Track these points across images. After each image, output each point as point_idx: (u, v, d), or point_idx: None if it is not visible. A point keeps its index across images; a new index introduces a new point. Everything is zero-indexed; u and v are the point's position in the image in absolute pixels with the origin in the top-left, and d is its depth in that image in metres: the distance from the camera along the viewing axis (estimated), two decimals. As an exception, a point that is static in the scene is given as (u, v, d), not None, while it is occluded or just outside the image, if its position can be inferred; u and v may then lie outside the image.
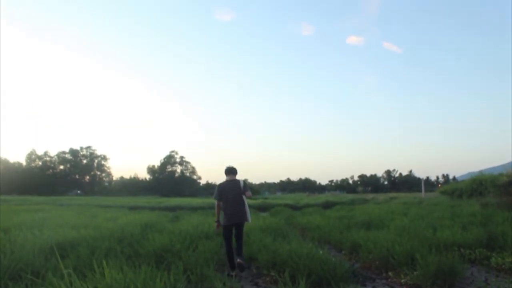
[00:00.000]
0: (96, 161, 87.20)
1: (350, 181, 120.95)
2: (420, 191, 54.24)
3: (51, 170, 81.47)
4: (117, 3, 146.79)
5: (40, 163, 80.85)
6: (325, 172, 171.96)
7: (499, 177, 16.38)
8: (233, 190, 5.15)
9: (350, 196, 41.59)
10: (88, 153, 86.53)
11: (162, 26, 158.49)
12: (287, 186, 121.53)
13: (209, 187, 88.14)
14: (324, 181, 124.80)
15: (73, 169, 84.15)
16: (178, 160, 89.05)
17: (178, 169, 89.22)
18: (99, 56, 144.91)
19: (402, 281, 4.32)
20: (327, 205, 23.25)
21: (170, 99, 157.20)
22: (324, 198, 35.69)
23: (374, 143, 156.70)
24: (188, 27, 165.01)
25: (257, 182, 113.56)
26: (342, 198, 35.80)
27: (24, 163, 79.06)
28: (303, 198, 41.80)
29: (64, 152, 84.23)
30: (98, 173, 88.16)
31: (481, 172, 19.68)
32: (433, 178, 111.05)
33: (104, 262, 3.18)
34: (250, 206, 6.32)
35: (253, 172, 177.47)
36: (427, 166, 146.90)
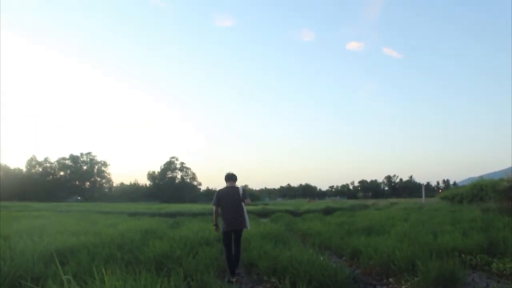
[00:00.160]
0: (96, 167, 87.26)
1: (351, 187, 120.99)
2: (420, 196, 54.21)
3: (51, 176, 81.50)
4: (118, 10, 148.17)
5: (40, 169, 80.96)
6: (325, 178, 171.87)
7: (500, 182, 16.32)
8: (232, 197, 5.19)
9: (351, 202, 41.42)
10: (88, 159, 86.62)
11: (162, 33, 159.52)
12: (287, 192, 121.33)
13: (209, 193, 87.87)
14: (324, 187, 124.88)
15: (73, 175, 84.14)
16: (178, 166, 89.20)
17: (179, 175, 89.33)
18: (99, 63, 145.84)
19: (403, 287, 4.31)
20: (328, 211, 23.14)
21: (170, 105, 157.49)
22: (324, 204, 35.52)
23: (375, 148, 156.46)
24: (188, 33, 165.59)
25: (258, 188, 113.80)
26: (342, 204, 35.64)
27: (24, 169, 79.18)
28: (304, 204, 41.60)
29: (64, 158, 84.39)
30: (98, 179, 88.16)
31: (481, 177, 19.60)
32: (433, 183, 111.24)
33: (103, 269, 3.18)
34: (250, 212, 6.33)
35: (254, 178, 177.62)
36: (428, 171, 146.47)
